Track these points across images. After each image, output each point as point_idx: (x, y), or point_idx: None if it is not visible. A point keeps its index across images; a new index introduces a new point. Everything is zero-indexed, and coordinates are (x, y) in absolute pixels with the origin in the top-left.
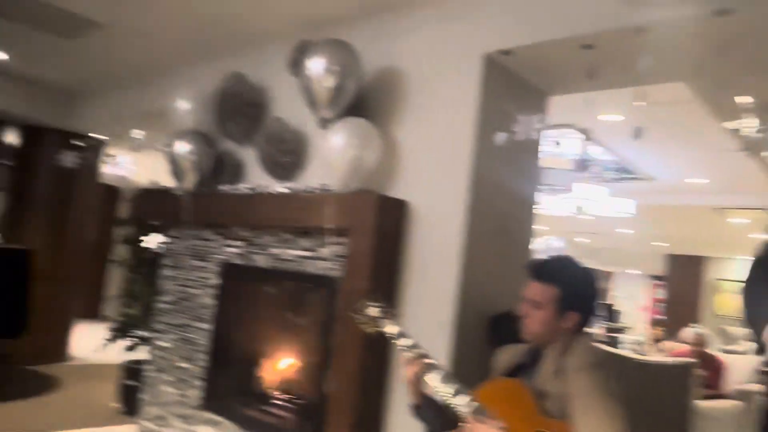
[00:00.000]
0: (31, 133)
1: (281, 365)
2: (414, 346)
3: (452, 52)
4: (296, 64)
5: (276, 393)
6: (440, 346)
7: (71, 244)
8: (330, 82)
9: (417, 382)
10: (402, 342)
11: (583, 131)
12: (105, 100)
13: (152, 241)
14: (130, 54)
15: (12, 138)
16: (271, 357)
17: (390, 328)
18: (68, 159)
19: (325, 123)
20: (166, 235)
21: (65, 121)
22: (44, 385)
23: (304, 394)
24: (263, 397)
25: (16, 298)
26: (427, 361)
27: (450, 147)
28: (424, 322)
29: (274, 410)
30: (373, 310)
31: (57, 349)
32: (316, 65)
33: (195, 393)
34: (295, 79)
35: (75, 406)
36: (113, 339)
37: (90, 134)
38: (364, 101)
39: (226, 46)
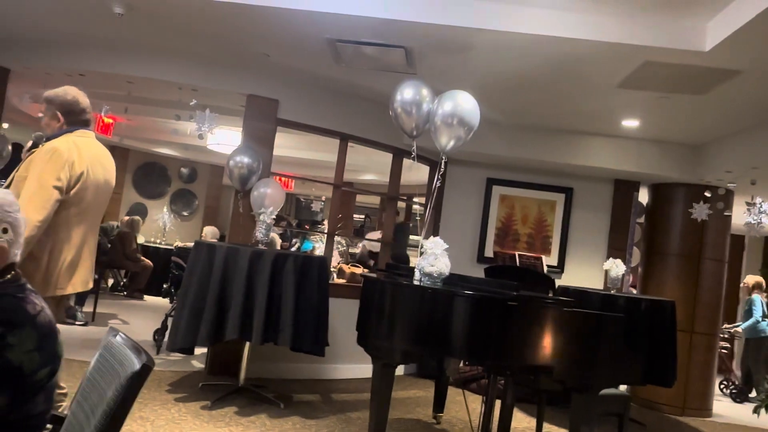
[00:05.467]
0: (660, 190)
1: None
2: None
3: None
4: None
5: None
6: None
7: (703, 297)
8: None
9: None
10: None
11: None
12: (731, 147)
13: None
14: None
15: (643, 197)
16: None
17: None
18: (697, 212)
19: None
20: None
21: (691, 175)
22: None
23: None
24: None
25: (667, 348)
26: None
27: None
28: None
29: None
30: None
31: (699, 403)
32: None
33: None
34: None
35: None
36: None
37: (717, 185)
38: None
39: None
